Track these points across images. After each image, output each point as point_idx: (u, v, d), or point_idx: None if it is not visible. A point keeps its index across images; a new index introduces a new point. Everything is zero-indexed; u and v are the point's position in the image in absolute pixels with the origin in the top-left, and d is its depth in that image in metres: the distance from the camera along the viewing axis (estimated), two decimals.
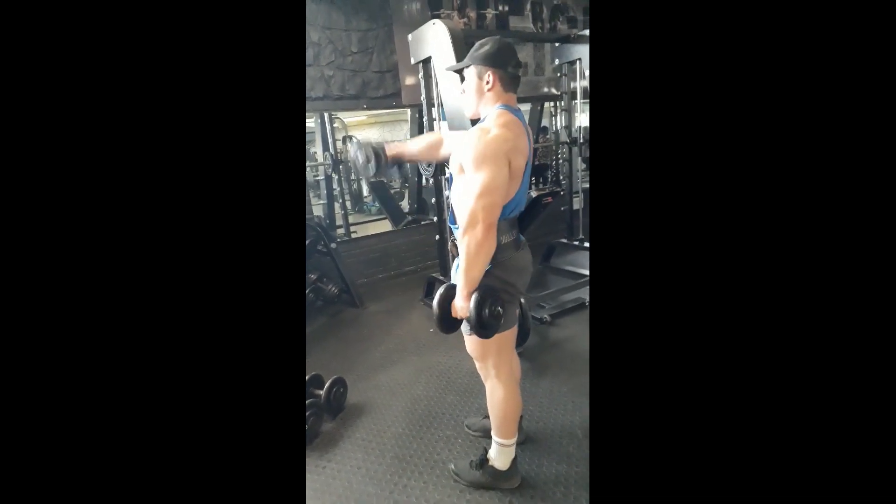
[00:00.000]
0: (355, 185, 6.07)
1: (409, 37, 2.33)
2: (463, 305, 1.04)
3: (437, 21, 2.05)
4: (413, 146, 1.38)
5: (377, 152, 1.32)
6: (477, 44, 1.11)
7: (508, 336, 1.25)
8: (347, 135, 6.01)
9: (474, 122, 1.16)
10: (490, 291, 1.04)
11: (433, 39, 2.10)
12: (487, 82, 1.08)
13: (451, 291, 1.08)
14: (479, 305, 1.01)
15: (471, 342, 1.21)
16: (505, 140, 1.01)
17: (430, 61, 2.23)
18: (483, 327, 1.03)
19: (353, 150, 1.38)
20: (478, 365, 1.28)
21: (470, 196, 0.99)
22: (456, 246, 1.15)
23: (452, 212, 1.18)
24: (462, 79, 1.16)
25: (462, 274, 1.02)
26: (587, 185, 3.31)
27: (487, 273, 1.08)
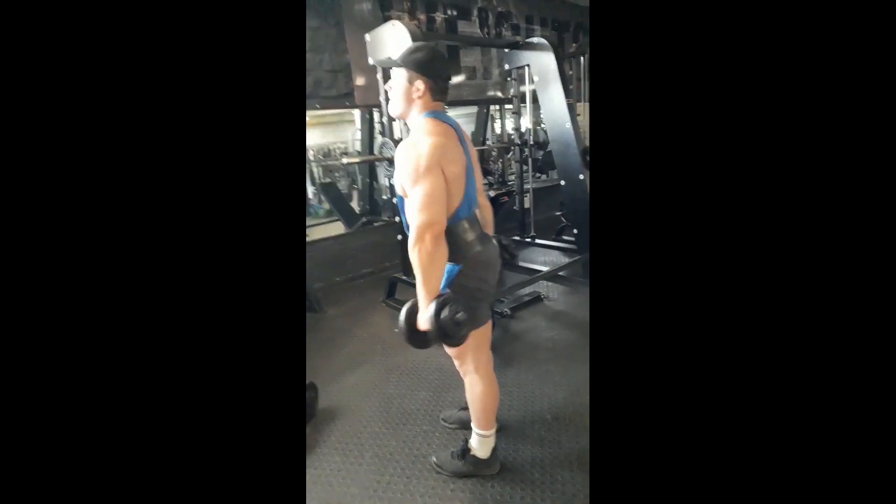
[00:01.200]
0: None
1: (367, 37, 2.32)
2: (426, 317, 1.03)
3: (396, 22, 2.07)
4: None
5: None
6: (411, 46, 1.11)
7: (484, 331, 1.28)
8: None
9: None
10: (448, 298, 1.03)
11: (393, 40, 2.12)
12: (417, 89, 1.08)
13: (415, 307, 1.07)
14: (437, 314, 1.00)
15: None
16: (434, 150, 1.01)
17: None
18: (446, 335, 1.02)
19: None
20: (457, 363, 1.31)
21: (413, 211, 1.01)
22: None
23: (408, 228, 1.20)
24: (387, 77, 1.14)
25: (421, 287, 1.03)
26: (536, 185, 3.48)
27: (459, 273, 1.12)
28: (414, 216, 1.01)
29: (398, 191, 1.11)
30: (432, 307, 1.01)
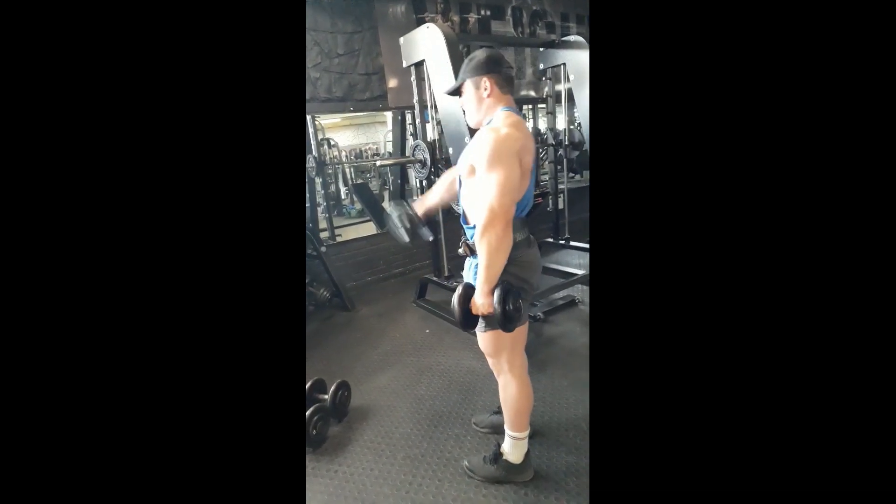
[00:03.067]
0: (332, 188, 5.99)
1: (401, 40, 2.34)
2: (484, 302, 1.06)
3: (430, 25, 2.08)
4: (435, 194, 1.39)
5: (411, 218, 1.37)
6: (466, 60, 1.17)
7: (521, 331, 1.28)
8: (325, 137, 5.93)
9: (473, 131, 1.19)
10: (510, 286, 1.07)
11: (427, 43, 2.12)
12: (485, 89, 1.13)
13: (469, 290, 1.10)
14: (504, 300, 1.04)
15: (484, 339, 1.23)
16: (515, 139, 1.04)
17: (423, 64, 2.25)
18: (508, 320, 1.06)
19: (389, 223, 1.41)
20: (490, 361, 1.30)
21: (486, 195, 1.02)
22: (468, 246, 1.17)
23: (464, 213, 1.20)
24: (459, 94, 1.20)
25: (483, 271, 1.05)
26: (570, 186, 3.41)
27: (503, 270, 1.11)
28: (487, 200, 1.01)
29: (463, 172, 1.12)
30: (498, 292, 1.04)
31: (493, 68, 1.12)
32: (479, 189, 1.05)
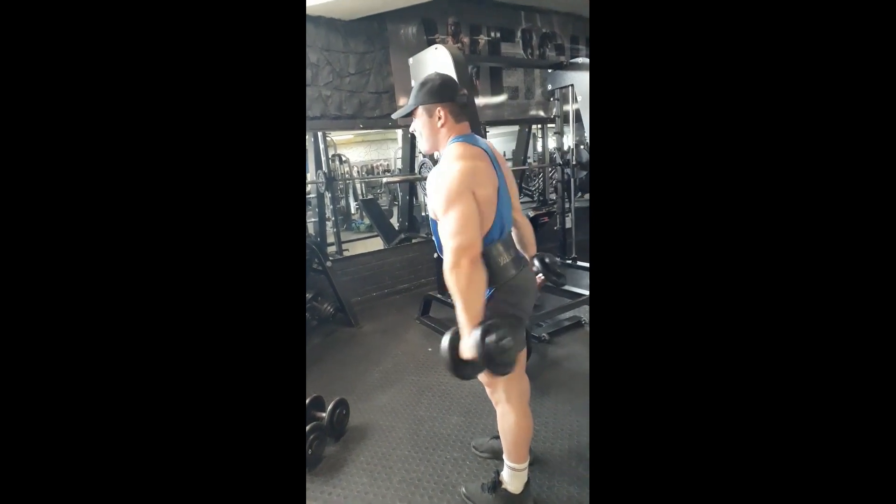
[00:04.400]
0: (342, 203, 6.06)
1: (410, 60, 2.38)
2: (470, 344, 0.98)
3: (439, 46, 2.11)
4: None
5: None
6: (418, 84, 1.12)
7: (520, 358, 1.24)
8: (337, 153, 6.03)
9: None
10: (492, 324, 0.96)
11: (436, 63, 2.16)
12: (439, 118, 1.08)
13: (457, 335, 1.01)
14: (482, 341, 0.94)
15: None
16: (466, 174, 1.00)
17: None
18: (493, 363, 0.95)
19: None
20: (488, 391, 1.26)
21: (446, 237, 0.99)
22: None
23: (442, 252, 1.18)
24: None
25: (461, 313, 0.98)
26: (578, 205, 3.39)
27: (492, 297, 1.08)
28: (448, 241, 0.99)
29: (431, 215, 1.10)
30: (476, 333, 0.95)
31: (446, 96, 1.08)
32: (441, 232, 1.02)
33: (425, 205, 4.16)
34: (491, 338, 0.93)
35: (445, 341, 1.02)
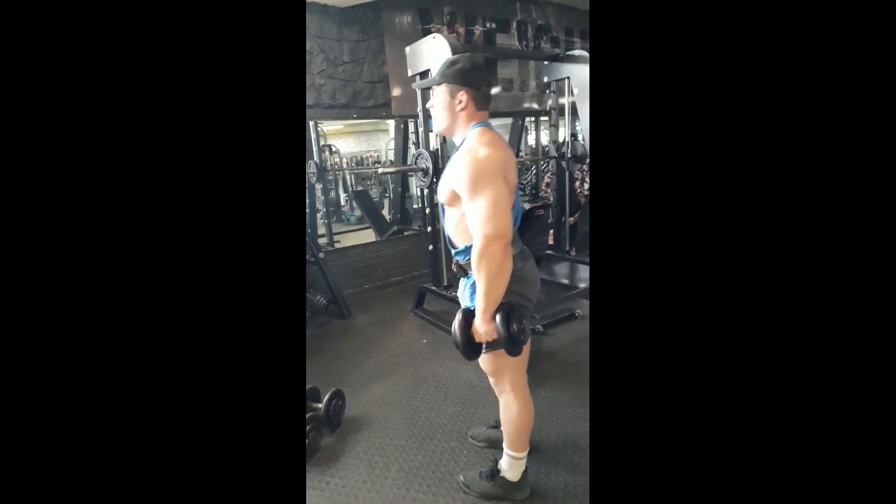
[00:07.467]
0: (332, 194, 5.98)
1: (407, 49, 2.35)
2: (487, 329, 1.01)
3: (437, 35, 2.09)
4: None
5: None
6: (447, 60, 1.08)
7: (524, 350, 1.25)
8: (326, 144, 5.93)
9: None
10: (511, 307, 1.02)
11: (433, 53, 2.13)
12: (460, 102, 1.06)
13: (469, 315, 1.04)
14: (507, 323, 0.98)
15: (486, 359, 1.18)
16: (496, 158, 0.99)
17: (427, 74, 2.26)
18: (515, 343, 1.00)
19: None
20: (492, 381, 1.26)
21: (478, 221, 0.96)
22: (461, 267, 1.14)
23: (449, 238, 1.16)
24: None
25: (483, 297, 0.99)
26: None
27: None
28: (479, 227, 0.96)
29: (443, 198, 1.09)
30: (500, 316, 0.99)
31: (472, 82, 1.05)
32: (469, 217, 0.99)
33: (418, 196, 4.13)
34: (514, 320, 0.99)
35: (457, 324, 1.05)
